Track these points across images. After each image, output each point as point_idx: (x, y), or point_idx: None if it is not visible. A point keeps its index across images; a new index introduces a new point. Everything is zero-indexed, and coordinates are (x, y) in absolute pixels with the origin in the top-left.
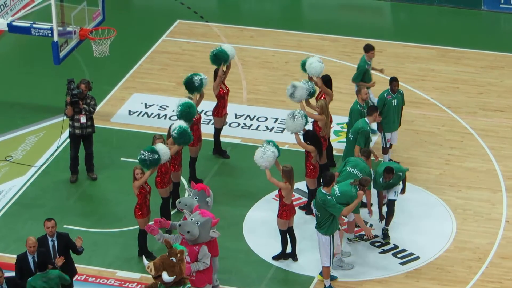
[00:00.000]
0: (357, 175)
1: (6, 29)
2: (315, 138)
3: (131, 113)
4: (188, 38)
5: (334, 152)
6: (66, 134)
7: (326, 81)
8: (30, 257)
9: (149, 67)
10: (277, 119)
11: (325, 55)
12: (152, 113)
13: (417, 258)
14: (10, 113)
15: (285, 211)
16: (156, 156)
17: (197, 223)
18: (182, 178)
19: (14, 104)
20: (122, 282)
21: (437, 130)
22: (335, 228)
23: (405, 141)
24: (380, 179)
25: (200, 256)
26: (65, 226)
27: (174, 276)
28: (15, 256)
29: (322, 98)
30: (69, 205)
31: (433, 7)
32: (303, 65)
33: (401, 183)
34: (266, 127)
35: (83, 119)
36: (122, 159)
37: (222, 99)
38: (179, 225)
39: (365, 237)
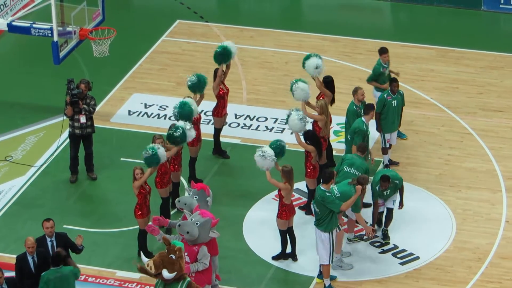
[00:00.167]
0: (355, 174)
1: (6, 29)
2: (315, 138)
3: (131, 113)
4: (188, 38)
5: (334, 152)
6: (66, 134)
7: (328, 83)
8: (29, 258)
9: (149, 67)
10: (277, 119)
11: (325, 55)
12: (152, 113)
13: (417, 258)
14: (10, 113)
15: (285, 211)
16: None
17: (197, 224)
18: (182, 178)
19: (14, 104)
20: (122, 282)
21: (436, 130)
22: (334, 225)
23: (405, 141)
24: (377, 187)
25: (199, 256)
26: (64, 226)
27: (175, 273)
28: (15, 256)
29: (322, 98)
30: (69, 205)
31: (433, 7)
32: (305, 60)
33: (398, 195)
34: (266, 127)
35: (83, 119)
36: (122, 159)
37: (222, 99)
38: (179, 225)
39: (365, 237)
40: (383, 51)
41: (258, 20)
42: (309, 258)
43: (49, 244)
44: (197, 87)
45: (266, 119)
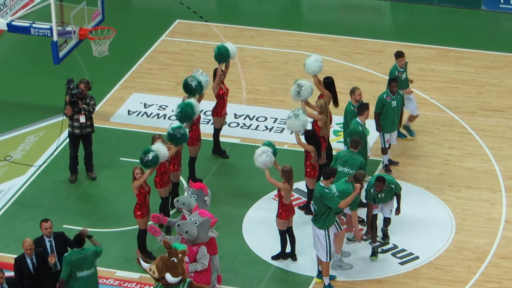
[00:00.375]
0: (348, 172)
1: (6, 28)
2: (315, 138)
3: (131, 113)
4: (187, 38)
5: (334, 152)
6: (65, 134)
7: (328, 84)
8: (28, 259)
9: (149, 67)
10: (276, 119)
11: (325, 55)
12: (152, 113)
13: (417, 258)
14: (9, 112)
15: (285, 211)
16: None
17: (196, 223)
18: (181, 178)
19: (14, 103)
20: (122, 282)
21: (436, 130)
22: (331, 223)
23: (404, 141)
24: (372, 190)
25: (198, 256)
26: (64, 226)
27: (180, 277)
28: (15, 257)
29: (322, 97)
30: (69, 205)
31: (433, 7)
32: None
33: (395, 201)
34: (266, 127)
35: (82, 119)
36: (121, 159)
37: (221, 99)
38: (178, 225)
39: (364, 237)
40: (399, 55)
41: (258, 20)
42: (308, 258)
43: (48, 244)
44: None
45: (266, 119)
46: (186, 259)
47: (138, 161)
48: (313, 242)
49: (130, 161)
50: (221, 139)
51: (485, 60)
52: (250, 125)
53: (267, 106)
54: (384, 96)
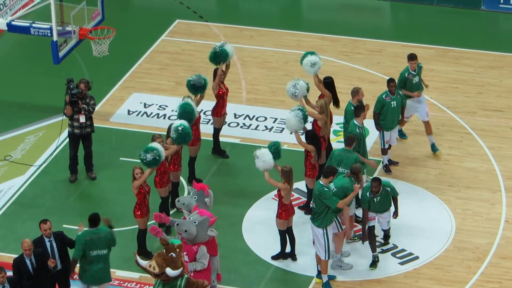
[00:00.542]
0: (343, 172)
1: (6, 28)
2: (315, 137)
3: (130, 112)
4: (187, 38)
5: None
6: (65, 133)
7: (328, 84)
8: (27, 260)
9: (149, 66)
10: (276, 119)
11: (325, 55)
12: (152, 113)
13: (416, 258)
14: (9, 112)
15: (284, 211)
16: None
17: (195, 222)
18: (181, 178)
19: (14, 103)
20: (121, 282)
21: (436, 130)
22: (329, 222)
23: (404, 141)
24: (368, 193)
25: (198, 256)
26: (64, 225)
27: (181, 268)
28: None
29: (323, 97)
30: (68, 205)
31: (433, 7)
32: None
33: (392, 207)
34: (266, 127)
35: (82, 119)
36: (121, 158)
37: (221, 99)
38: (177, 224)
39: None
40: (411, 57)
41: (258, 20)
42: (308, 258)
43: (48, 244)
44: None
45: (266, 118)
46: (186, 258)
47: (138, 161)
48: (312, 241)
49: (130, 161)
50: (221, 139)
51: (485, 60)
52: (250, 125)
53: (267, 106)
54: (384, 96)
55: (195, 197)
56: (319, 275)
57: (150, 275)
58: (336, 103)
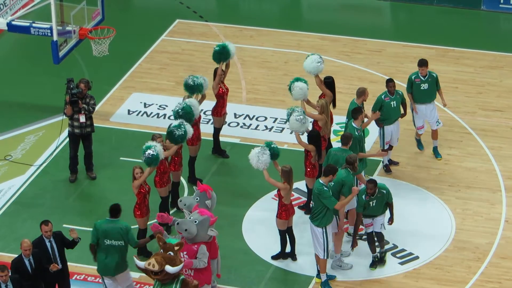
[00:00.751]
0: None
1: (6, 28)
2: (318, 138)
3: (131, 112)
4: (187, 37)
5: None
6: (65, 133)
7: (329, 83)
8: (26, 260)
9: (149, 66)
10: (276, 119)
11: (325, 54)
12: (152, 113)
13: (416, 258)
14: (9, 112)
15: (284, 211)
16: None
17: (195, 222)
18: (181, 178)
19: (14, 103)
20: None
21: None
22: (328, 221)
23: (405, 141)
24: (363, 196)
25: (198, 255)
26: (64, 225)
27: (181, 265)
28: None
29: (323, 97)
30: (68, 205)
31: (433, 7)
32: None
33: (388, 212)
34: (266, 126)
35: (82, 119)
36: (121, 158)
37: (221, 98)
38: (177, 223)
39: (364, 236)
40: (420, 63)
41: (258, 19)
42: (308, 258)
43: (48, 245)
44: (198, 88)
45: (266, 118)
46: (186, 257)
47: (138, 160)
48: (311, 240)
49: (130, 160)
50: (221, 138)
51: (485, 60)
52: (250, 124)
53: (267, 106)
54: (383, 97)
55: (197, 198)
56: (319, 275)
57: (149, 276)
58: (333, 103)
